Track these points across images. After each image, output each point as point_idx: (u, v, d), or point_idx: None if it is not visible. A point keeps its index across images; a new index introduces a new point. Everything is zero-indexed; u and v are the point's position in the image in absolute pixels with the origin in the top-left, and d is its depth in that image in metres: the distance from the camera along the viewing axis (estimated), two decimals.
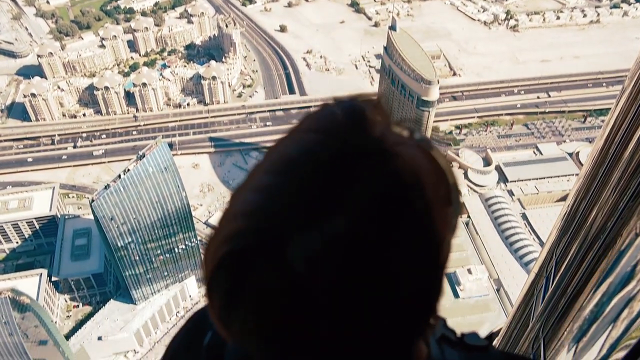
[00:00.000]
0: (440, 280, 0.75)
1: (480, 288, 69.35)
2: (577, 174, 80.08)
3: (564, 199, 77.93)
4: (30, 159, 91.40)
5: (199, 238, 74.99)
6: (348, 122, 0.73)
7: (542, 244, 69.20)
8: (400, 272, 0.67)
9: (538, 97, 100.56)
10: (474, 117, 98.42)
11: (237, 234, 0.67)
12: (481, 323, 65.53)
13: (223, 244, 0.68)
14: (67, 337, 68.42)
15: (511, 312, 8.21)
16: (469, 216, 79.05)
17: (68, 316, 74.22)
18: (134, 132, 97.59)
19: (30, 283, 68.11)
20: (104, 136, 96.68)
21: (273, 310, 0.66)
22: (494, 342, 7.95)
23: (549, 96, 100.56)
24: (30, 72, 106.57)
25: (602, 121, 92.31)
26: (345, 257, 0.63)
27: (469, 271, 70.04)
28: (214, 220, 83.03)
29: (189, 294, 75.42)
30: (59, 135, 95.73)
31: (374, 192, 0.66)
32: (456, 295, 68.85)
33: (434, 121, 79.96)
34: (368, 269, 0.64)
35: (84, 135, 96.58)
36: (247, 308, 0.67)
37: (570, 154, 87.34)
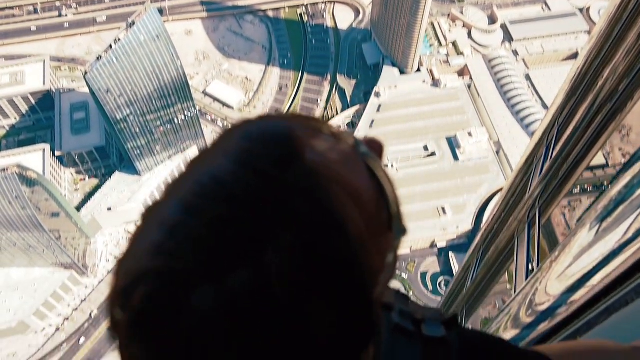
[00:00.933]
0: (372, 318, 0.67)
1: (480, 150, 70.19)
2: (586, 31, 77.48)
3: (569, 58, 76.04)
4: (12, 31, 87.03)
5: (197, 107, 74.61)
6: (269, 149, 0.65)
7: (544, 105, 68.87)
8: (313, 329, 0.60)
9: None
10: None
11: (136, 276, 0.60)
12: (480, 184, 67.44)
13: (123, 283, 0.62)
14: (78, 208, 70.87)
15: (509, 180, 8.10)
16: (471, 78, 77.72)
17: (76, 189, 76.20)
18: None
19: (34, 158, 68.85)
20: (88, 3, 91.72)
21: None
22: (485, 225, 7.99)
23: None
24: None
25: None
26: (242, 315, 0.57)
27: (470, 134, 70.40)
28: (212, 89, 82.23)
29: None
30: (40, 3, 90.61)
31: (288, 242, 0.59)
32: (456, 158, 69.96)
33: None
34: (269, 329, 0.58)
35: (68, 3, 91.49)
36: (143, 354, 0.61)
37: (581, 10, 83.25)
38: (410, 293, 62.58)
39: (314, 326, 0.60)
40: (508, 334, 3.08)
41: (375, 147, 0.77)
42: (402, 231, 0.76)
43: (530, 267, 4.69)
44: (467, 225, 64.74)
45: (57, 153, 73.80)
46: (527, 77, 77.52)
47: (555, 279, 2.48)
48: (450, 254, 64.25)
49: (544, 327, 2.24)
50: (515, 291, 4.72)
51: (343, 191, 0.64)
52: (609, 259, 1.83)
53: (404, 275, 64.08)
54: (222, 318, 0.56)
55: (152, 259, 0.60)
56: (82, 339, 63.58)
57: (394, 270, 0.74)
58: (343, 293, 0.62)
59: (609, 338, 1.71)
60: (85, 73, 63.71)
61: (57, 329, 64.60)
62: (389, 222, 0.73)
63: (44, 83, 76.77)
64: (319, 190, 0.63)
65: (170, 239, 0.60)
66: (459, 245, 64.11)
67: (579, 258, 2.29)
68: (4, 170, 60.20)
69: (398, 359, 0.90)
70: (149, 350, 0.59)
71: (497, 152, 70.58)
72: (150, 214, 0.66)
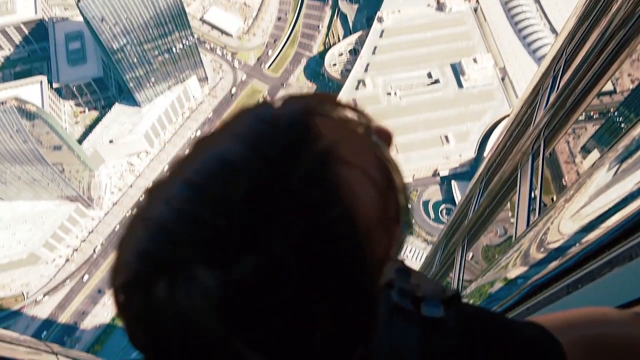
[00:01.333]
0: (374, 312, 0.67)
1: (485, 77, 68.91)
2: None
3: None
4: None
5: (195, 36, 72.93)
6: (280, 134, 0.62)
7: (553, 29, 66.86)
8: (313, 324, 0.60)
9: None
10: None
11: (136, 257, 0.59)
12: (484, 112, 66.76)
13: (123, 264, 0.61)
14: (79, 141, 70.93)
15: (514, 111, 7.93)
16: (477, 1, 75.04)
17: (76, 122, 75.92)
18: None
19: (32, 91, 68.12)
20: None
21: (161, 346, 0.59)
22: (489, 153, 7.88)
23: None
24: None
25: None
26: (241, 306, 0.56)
27: (475, 60, 68.85)
28: (210, 16, 79.85)
29: (192, 94, 75.99)
30: None
31: (294, 232, 0.57)
32: (460, 85, 68.84)
33: None
34: (268, 323, 0.57)
35: None
36: (140, 336, 0.60)
37: None
38: (412, 221, 63.48)
39: (314, 320, 0.59)
40: (516, 271, 3.05)
41: (384, 136, 0.75)
42: (409, 224, 0.75)
43: (532, 195, 4.65)
44: (470, 154, 64.70)
45: (54, 85, 73.03)
46: (536, 0, 74.85)
47: (569, 218, 2.40)
48: (453, 182, 64.63)
49: (552, 267, 2.17)
50: (517, 222, 4.70)
51: (353, 181, 0.63)
52: (626, 202, 1.73)
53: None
54: (221, 307, 0.55)
55: (153, 239, 0.59)
56: (86, 277, 65.13)
57: (396, 261, 0.73)
58: (347, 287, 0.61)
59: (608, 292, 1.64)
60: (78, 0, 61.91)
61: (67, 260, 66.47)
62: (396, 214, 0.71)
63: (35, 12, 74.65)
64: (328, 180, 0.61)
65: (173, 219, 0.58)
66: (461, 174, 64.38)
67: (595, 199, 2.18)
68: (2, 103, 59.79)
69: (395, 343, 0.89)
70: (146, 334, 0.59)
71: (503, 79, 69.30)
72: (155, 190, 0.64)
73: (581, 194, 2.28)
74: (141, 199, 0.66)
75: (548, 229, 2.68)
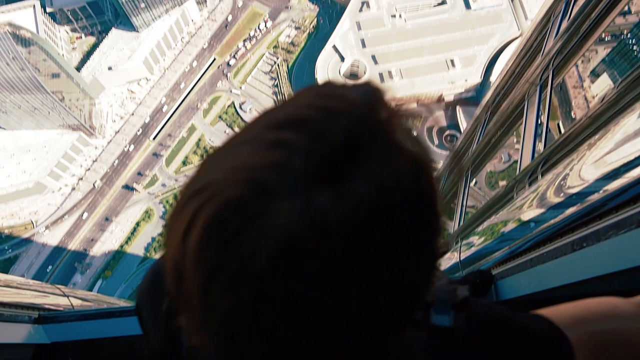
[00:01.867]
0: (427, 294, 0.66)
1: None
2: None
3: None
4: None
5: None
6: (364, 100, 0.63)
7: None
8: (403, 266, 0.59)
9: None
10: None
11: (219, 183, 0.56)
12: (491, 35, 64.97)
13: (212, 194, 0.56)
14: (78, 69, 69.72)
15: (524, 36, 7.64)
16: None
17: (73, 48, 74.26)
18: None
19: (25, 16, 66.30)
20: None
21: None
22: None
23: None
24: None
25: None
26: (364, 225, 0.55)
27: None
28: None
29: (190, 18, 73.87)
30: None
31: (392, 169, 0.57)
32: (468, 6, 66.61)
33: None
34: (382, 247, 0.56)
35: None
36: (218, 253, 0.55)
37: None
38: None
39: (388, 265, 0.58)
40: (531, 213, 3.00)
41: None
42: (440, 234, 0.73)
43: (539, 122, 4.59)
44: (475, 79, 63.60)
45: (48, 9, 70.88)
46: None
47: (592, 164, 2.30)
48: (458, 107, 64.00)
49: (559, 220, 2.09)
50: (521, 155, 4.63)
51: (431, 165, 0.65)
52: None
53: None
54: (300, 234, 0.53)
55: (253, 170, 0.56)
56: (85, 214, 65.42)
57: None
58: (427, 231, 0.62)
59: (611, 256, 1.56)
60: None
61: (73, 189, 67.25)
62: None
63: None
64: (419, 142, 0.63)
65: (275, 151, 0.56)
66: (466, 99, 63.64)
67: (621, 146, 2.07)
68: None
69: (400, 352, 0.84)
70: (223, 250, 0.55)
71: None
72: (230, 141, 0.63)
73: (608, 140, 2.15)
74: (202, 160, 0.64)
75: (562, 177, 2.59)
